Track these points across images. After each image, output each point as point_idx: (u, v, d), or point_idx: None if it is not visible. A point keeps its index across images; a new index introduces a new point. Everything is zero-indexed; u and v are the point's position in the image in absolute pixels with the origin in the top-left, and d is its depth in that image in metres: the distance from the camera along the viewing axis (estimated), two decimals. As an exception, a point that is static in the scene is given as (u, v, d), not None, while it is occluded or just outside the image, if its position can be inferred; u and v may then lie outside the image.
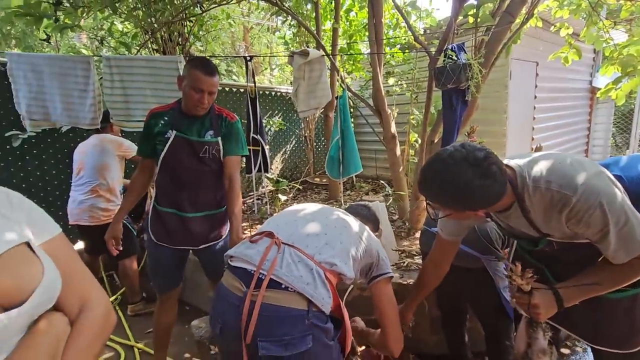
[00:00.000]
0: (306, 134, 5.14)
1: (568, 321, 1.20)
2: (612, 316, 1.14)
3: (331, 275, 1.14)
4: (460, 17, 2.60)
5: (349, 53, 4.40)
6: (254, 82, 3.00)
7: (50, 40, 2.72)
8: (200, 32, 4.16)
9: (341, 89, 3.38)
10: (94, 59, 2.66)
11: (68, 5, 2.48)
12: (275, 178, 4.25)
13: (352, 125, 3.18)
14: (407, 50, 4.27)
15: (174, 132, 1.63)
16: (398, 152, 3.06)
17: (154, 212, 1.74)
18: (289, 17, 4.17)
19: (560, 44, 3.63)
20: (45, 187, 3.03)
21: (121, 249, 1.78)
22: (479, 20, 2.43)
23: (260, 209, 3.64)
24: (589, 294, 1.05)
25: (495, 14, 2.44)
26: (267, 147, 3.13)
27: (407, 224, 3.02)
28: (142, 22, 3.24)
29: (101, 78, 2.69)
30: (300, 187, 4.54)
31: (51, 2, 2.36)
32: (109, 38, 4.38)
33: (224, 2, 3.37)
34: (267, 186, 4.20)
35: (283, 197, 3.89)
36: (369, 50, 3.17)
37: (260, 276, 1.08)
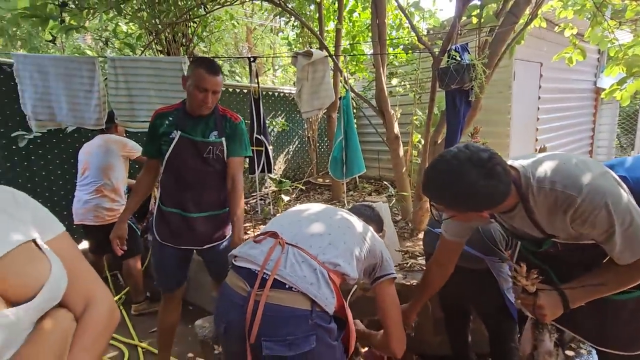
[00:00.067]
0: (309, 135, 5.15)
1: (573, 322, 1.20)
2: (617, 318, 1.13)
3: (335, 275, 1.14)
4: (464, 18, 2.59)
5: (352, 54, 4.40)
6: (258, 83, 3.01)
7: (55, 42, 2.74)
8: (204, 33, 4.18)
9: (344, 89, 3.39)
10: (99, 59, 2.68)
11: (73, 6, 2.50)
12: (278, 178, 4.25)
13: (355, 126, 3.18)
14: (410, 51, 4.26)
15: (179, 132, 1.64)
16: (401, 152, 3.06)
17: (158, 212, 1.76)
18: (292, 18, 4.18)
19: (565, 44, 3.62)
20: (50, 187, 3.06)
21: (126, 248, 1.79)
22: (482, 20, 2.43)
23: (263, 210, 3.65)
24: (595, 295, 1.04)
25: (498, 14, 2.43)
26: (270, 148, 3.14)
27: (410, 225, 3.01)
28: (147, 23, 3.26)
29: (106, 79, 2.71)
30: (303, 188, 4.54)
31: (57, 3, 2.38)
32: (114, 39, 4.42)
33: (228, 3, 3.39)
34: (270, 186, 4.21)
35: (286, 198, 3.89)
36: (372, 51, 3.18)
37: (264, 276, 1.08)
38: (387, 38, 3.15)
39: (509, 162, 1.07)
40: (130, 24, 4.02)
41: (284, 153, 5.09)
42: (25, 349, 0.54)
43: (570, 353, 2.07)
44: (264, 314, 1.03)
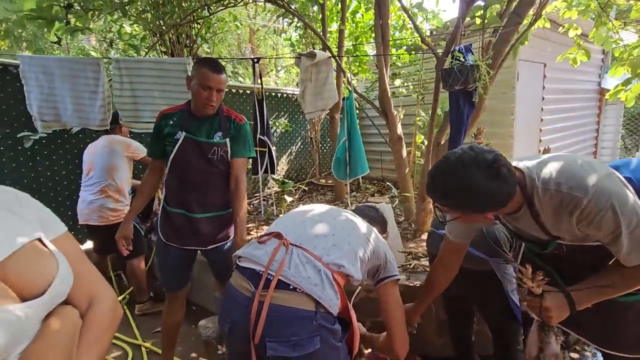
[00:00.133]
0: (312, 136, 5.15)
1: (578, 325, 1.19)
2: (623, 320, 1.13)
3: (339, 276, 1.14)
4: (468, 19, 2.59)
5: (355, 55, 4.40)
6: (261, 84, 3.02)
7: (60, 43, 2.76)
8: (208, 35, 4.20)
9: (347, 90, 3.39)
10: (103, 61, 2.70)
11: (79, 8, 2.52)
12: (281, 179, 4.26)
13: (358, 126, 3.18)
14: (413, 52, 4.26)
15: (183, 133, 1.65)
16: (404, 153, 3.05)
17: (163, 212, 1.77)
18: (296, 19, 4.19)
19: (569, 44, 3.60)
20: (55, 187, 3.08)
21: (131, 248, 1.81)
22: (486, 21, 2.42)
23: (266, 210, 3.65)
24: (601, 297, 1.04)
25: (502, 15, 2.43)
26: (273, 149, 3.15)
27: (413, 226, 3.01)
28: (151, 25, 3.28)
29: (110, 80, 2.72)
30: (306, 189, 4.55)
31: (63, 5, 2.40)
32: (118, 40, 4.44)
33: (231, 5, 3.40)
34: (273, 187, 4.22)
35: (289, 198, 3.90)
36: (374, 52, 3.18)
37: (269, 277, 1.08)
38: (391, 39, 3.15)
39: (514, 164, 1.06)
40: (135, 25, 4.04)
41: (287, 154, 5.10)
42: (36, 345, 0.55)
43: (574, 355, 2.06)
44: (268, 314, 1.03)
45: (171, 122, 1.68)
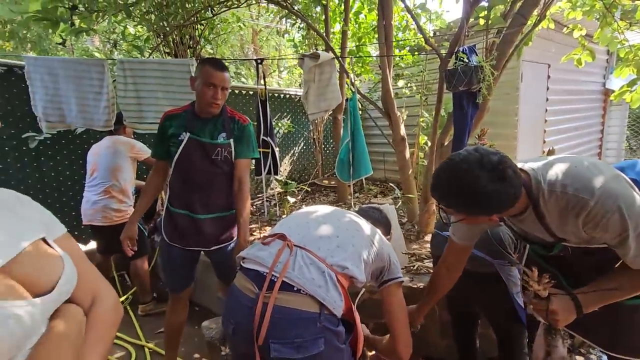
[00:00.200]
0: (315, 136, 5.15)
1: (584, 328, 1.18)
2: (630, 323, 1.12)
3: (343, 278, 1.13)
4: (471, 19, 2.58)
5: (358, 55, 4.40)
6: (265, 85, 3.02)
7: (65, 44, 2.77)
8: (211, 36, 4.21)
9: (350, 91, 3.39)
10: (108, 62, 2.71)
11: (83, 9, 2.54)
12: (283, 180, 4.26)
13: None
14: (416, 53, 4.25)
15: (188, 134, 1.65)
16: (407, 154, 3.05)
17: (166, 213, 1.77)
18: (299, 20, 4.20)
19: (573, 45, 3.59)
20: (59, 188, 3.09)
21: (136, 249, 1.81)
22: (490, 22, 2.41)
23: (269, 211, 3.65)
24: (608, 300, 1.03)
25: (506, 15, 2.42)
26: (276, 150, 3.15)
27: (416, 227, 3.00)
28: (155, 26, 3.30)
29: (114, 81, 2.73)
30: (309, 189, 4.54)
31: (68, 6, 2.41)
32: (122, 41, 4.47)
33: (235, 6, 3.41)
34: (275, 188, 4.22)
35: (292, 199, 3.90)
36: (378, 53, 3.17)
37: (273, 278, 1.08)
38: (394, 39, 3.15)
39: (519, 165, 1.06)
40: (138, 26, 4.06)
41: (290, 154, 5.10)
42: (46, 341, 0.56)
43: (579, 358, 2.04)
44: (272, 316, 1.03)
45: (175, 123, 1.68)
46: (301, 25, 4.67)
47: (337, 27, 4.58)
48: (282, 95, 4.92)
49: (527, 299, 1.13)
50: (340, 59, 3.22)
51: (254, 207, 4.02)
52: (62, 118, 2.69)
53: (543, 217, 1.04)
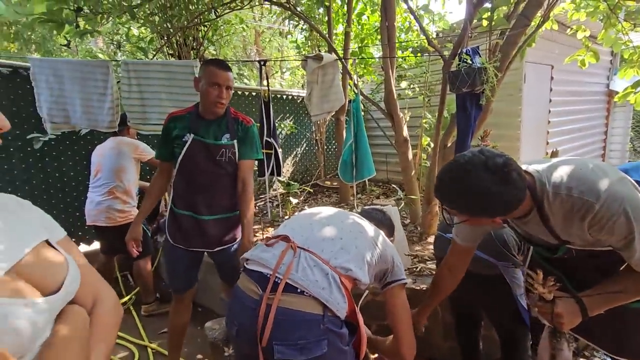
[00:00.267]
0: (317, 137, 5.16)
1: (589, 331, 1.17)
2: (635, 327, 1.11)
3: (346, 280, 1.14)
4: (474, 21, 2.58)
5: (361, 57, 4.40)
6: (268, 87, 3.03)
7: (69, 46, 2.79)
8: (214, 37, 4.22)
9: (352, 92, 3.38)
10: (112, 63, 2.73)
11: (88, 11, 2.55)
12: (286, 181, 4.26)
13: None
14: (419, 54, 4.25)
15: (192, 135, 1.66)
16: (410, 156, 3.05)
17: (170, 214, 1.78)
18: (301, 22, 4.20)
19: (577, 46, 3.57)
20: (63, 188, 3.11)
21: (141, 249, 1.82)
22: (493, 23, 2.41)
23: (272, 212, 3.66)
24: (614, 303, 1.02)
25: (509, 17, 2.42)
26: (279, 151, 3.15)
27: (419, 229, 3.00)
28: (159, 27, 3.31)
29: (119, 82, 2.75)
30: (311, 190, 4.55)
31: (72, 8, 2.43)
32: (125, 43, 4.49)
33: (238, 7, 3.42)
34: (278, 189, 4.23)
35: (294, 200, 3.90)
36: (380, 54, 3.17)
37: (276, 280, 1.08)
38: (396, 41, 3.15)
39: (523, 167, 1.05)
40: (142, 28, 4.08)
41: (292, 155, 5.10)
42: (55, 340, 0.57)
43: (583, 361, 2.03)
44: (275, 317, 1.03)
45: (179, 125, 1.69)
46: (304, 27, 4.68)
47: (339, 29, 4.58)
48: (284, 97, 4.93)
49: (531, 302, 1.13)
50: (343, 60, 3.23)
51: (257, 208, 4.03)
52: (67, 119, 2.71)
53: (547, 220, 1.04)
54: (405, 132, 2.99)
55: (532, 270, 1.11)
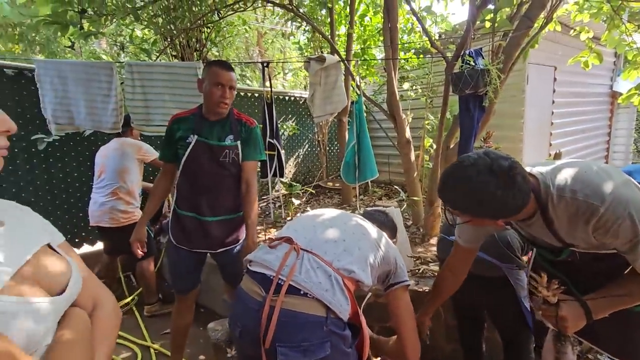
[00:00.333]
0: (319, 139, 5.16)
1: (593, 334, 1.17)
2: (639, 330, 1.11)
3: (349, 282, 1.14)
4: (477, 22, 2.57)
5: (363, 59, 4.40)
6: (271, 88, 3.03)
7: (74, 47, 2.81)
8: (217, 38, 4.24)
9: (354, 94, 3.39)
10: (116, 65, 2.74)
11: (92, 13, 2.57)
12: (288, 182, 4.27)
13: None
14: (421, 55, 4.25)
15: (195, 136, 1.67)
16: (412, 157, 3.04)
17: (174, 215, 1.79)
18: (304, 23, 4.21)
19: (580, 47, 3.56)
20: (67, 189, 3.12)
21: (146, 250, 1.84)
22: (496, 25, 2.40)
23: (274, 213, 3.66)
24: (618, 307, 1.02)
25: (512, 18, 2.41)
26: (282, 152, 3.16)
27: (421, 230, 2.99)
28: (162, 29, 3.33)
29: (122, 83, 2.76)
30: (313, 192, 4.55)
31: (77, 10, 2.44)
32: (129, 44, 4.51)
33: (241, 9, 3.43)
34: (280, 190, 4.23)
35: (296, 201, 3.90)
36: (383, 55, 3.17)
37: (279, 282, 1.09)
38: (399, 42, 3.15)
39: (527, 169, 1.05)
40: (146, 29, 4.10)
41: (294, 157, 5.11)
42: (62, 342, 0.58)
43: (587, 364, 2.02)
44: (279, 319, 1.03)
45: (183, 126, 1.70)
46: (306, 28, 4.69)
47: (342, 30, 4.58)
48: (286, 98, 4.94)
49: (535, 305, 1.12)
50: (345, 61, 3.23)
51: (260, 209, 4.03)
52: (71, 120, 2.73)
53: (551, 223, 1.04)
54: (408, 134, 2.99)
55: (536, 273, 1.10)
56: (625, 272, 1.06)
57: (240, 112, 1.82)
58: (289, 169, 5.05)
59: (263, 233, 3.19)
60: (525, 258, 1.51)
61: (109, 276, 2.96)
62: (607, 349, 1.19)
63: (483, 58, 2.25)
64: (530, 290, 1.23)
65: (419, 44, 4.30)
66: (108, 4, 2.66)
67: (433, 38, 2.77)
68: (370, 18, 4.66)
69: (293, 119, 4.99)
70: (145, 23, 3.26)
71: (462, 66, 2.21)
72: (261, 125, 3.02)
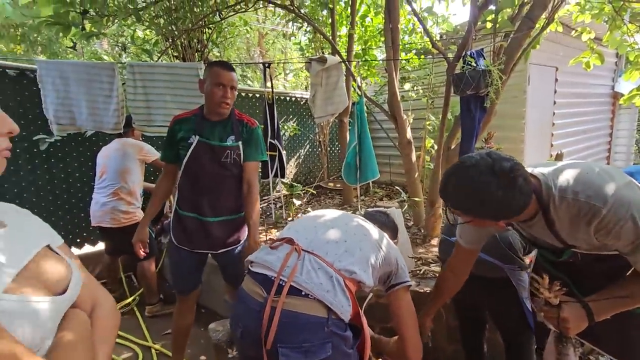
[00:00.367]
0: (320, 139, 5.16)
1: (595, 336, 1.17)
2: (642, 331, 1.10)
3: (350, 283, 1.14)
4: (479, 23, 2.57)
5: (364, 59, 4.41)
6: (272, 89, 3.04)
7: (75, 48, 2.82)
8: (218, 39, 4.24)
9: (355, 94, 3.39)
10: (118, 65, 2.75)
11: (94, 14, 2.58)
12: (289, 182, 4.27)
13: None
14: (422, 56, 4.25)
15: (197, 137, 1.67)
16: (414, 158, 3.04)
17: (175, 216, 1.79)
18: (305, 24, 4.21)
19: (581, 48, 3.56)
20: (69, 189, 3.13)
21: (148, 251, 1.84)
22: (497, 25, 2.40)
23: (275, 213, 3.66)
24: (620, 308, 1.02)
25: (514, 19, 2.41)
26: (283, 153, 3.16)
27: (422, 231, 2.99)
28: (164, 30, 3.34)
29: (124, 84, 2.77)
30: (314, 192, 4.55)
31: (79, 11, 2.45)
32: (130, 45, 4.53)
33: (243, 10, 3.44)
34: (281, 191, 4.23)
35: (297, 202, 3.91)
36: (384, 56, 3.17)
37: (281, 282, 1.09)
38: (400, 43, 3.15)
39: (528, 170, 1.05)
40: (147, 30, 4.11)
41: (295, 157, 5.11)
42: (64, 340, 0.58)
43: (589, 365, 2.02)
44: (280, 320, 1.03)
45: (185, 127, 1.70)
46: (308, 29, 4.69)
47: (343, 31, 4.58)
48: (288, 98, 4.94)
49: (537, 307, 1.12)
50: (346, 62, 3.23)
51: (260, 209, 4.03)
52: (73, 121, 2.73)
53: (553, 224, 1.03)
54: (409, 134, 2.99)
55: (537, 274, 1.10)
56: (627, 273, 1.06)
57: (241, 112, 1.82)
58: (290, 169, 5.05)
59: (264, 233, 3.19)
60: (527, 259, 1.51)
61: (110, 276, 2.97)
62: (608, 350, 1.19)
63: (484, 59, 2.25)
64: (531, 292, 1.23)
65: (420, 44, 4.30)
66: (110, 5, 2.67)
67: (434, 39, 2.77)
68: (372, 19, 4.66)
69: (294, 120, 5.00)
70: (147, 24, 3.27)
71: (463, 67, 2.21)
72: (262, 126, 3.02)
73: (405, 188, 3.35)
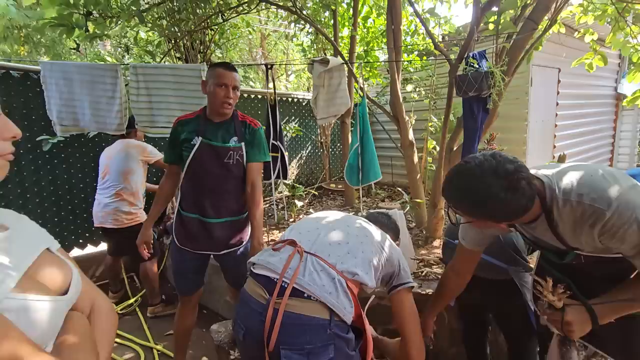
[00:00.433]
0: (322, 140, 5.16)
1: (598, 339, 1.16)
2: (646, 335, 1.10)
3: (353, 284, 1.14)
4: (481, 24, 2.57)
5: (366, 61, 4.41)
6: (274, 90, 3.04)
7: (79, 49, 2.83)
8: (221, 40, 4.25)
9: (358, 96, 3.38)
10: (121, 67, 2.76)
11: (98, 15, 2.59)
12: (291, 183, 4.27)
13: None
14: (424, 57, 4.25)
15: (200, 138, 1.67)
16: (416, 159, 3.04)
17: (178, 216, 1.79)
18: (307, 25, 4.22)
19: (584, 49, 3.55)
20: (72, 190, 3.14)
21: (152, 252, 1.85)
22: (500, 27, 2.40)
23: (277, 215, 3.67)
24: (624, 311, 1.01)
25: (516, 20, 2.41)
26: (286, 154, 3.16)
27: (424, 232, 2.98)
28: (166, 31, 3.35)
29: (127, 85, 2.78)
30: (316, 193, 4.55)
31: (82, 13, 2.46)
32: (133, 46, 4.54)
33: (245, 11, 3.45)
34: (283, 192, 4.23)
35: (299, 203, 3.91)
36: (386, 57, 3.17)
37: (283, 284, 1.09)
38: (402, 44, 3.15)
39: (531, 172, 1.05)
40: (150, 32, 4.13)
41: (297, 158, 5.11)
42: (66, 340, 0.59)
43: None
44: (282, 322, 1.03)
45: (188, 128, 1.71)
46: (310, 30, 4.70)
47: (345, 32, 4.59)
48: (289, 99, 4.95)
49: (540, 309, 1.11)
50: (348, 63, 3.23)
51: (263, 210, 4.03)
52: (76, 122, 2.74)
53: (556, 226, 1.03)
54: (411, 136, 2.98)
55: (541, 277, 1.10)
56: (632, 276, 1.06)
57: (244, 113, 1.83)
58: (292, 170, 5.06)
59: (266, 235, 3.20)
60: (531, 260, 1.50)
61: (113, 277, 2.98)
62: (612, 353, 1.18)
63: (487, 60, 2.25)
64: (534, 294, 1.22)
65: (423, 46, 4.30)
66: (113, 7, 2.68)
67: (436, 40, 2.77)
68: (374, 20, 4.66)
69: (296, 121, 5.00)
70: (150, 25, 3.28)
71: (465, 68, 2.21)
72: (264, 127, 3.02)
73: (408, 189, 3.35)
